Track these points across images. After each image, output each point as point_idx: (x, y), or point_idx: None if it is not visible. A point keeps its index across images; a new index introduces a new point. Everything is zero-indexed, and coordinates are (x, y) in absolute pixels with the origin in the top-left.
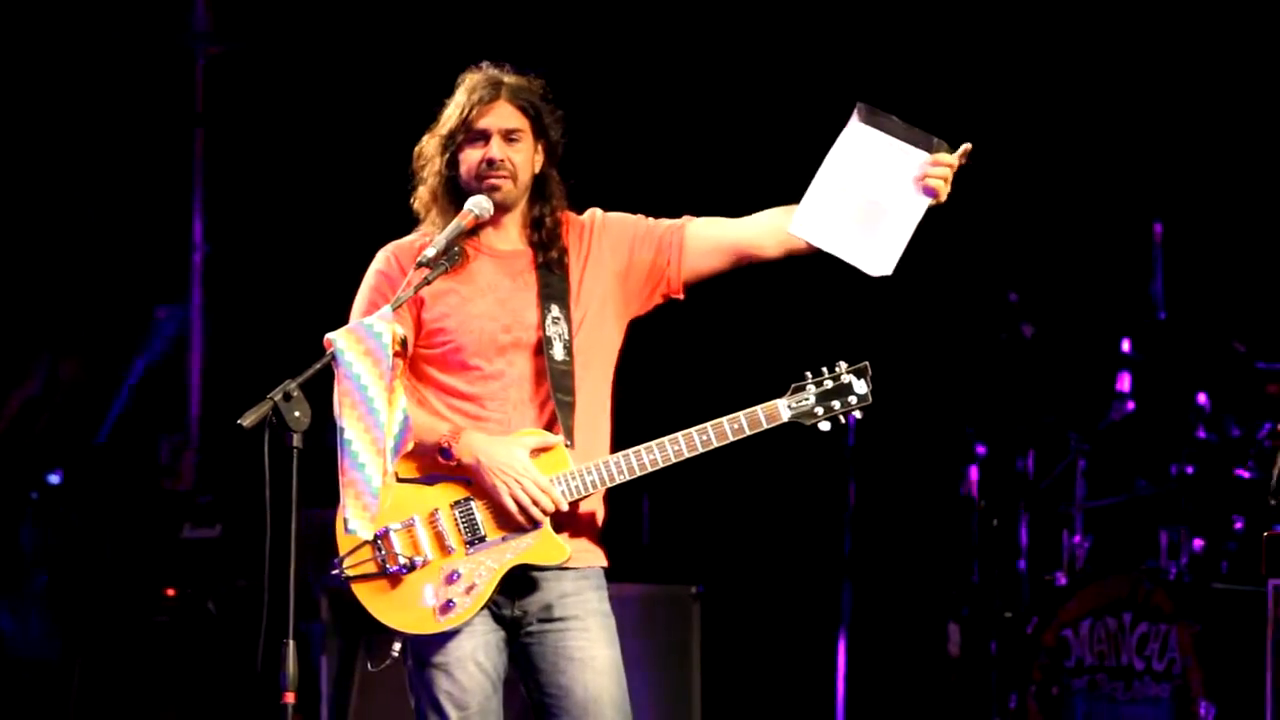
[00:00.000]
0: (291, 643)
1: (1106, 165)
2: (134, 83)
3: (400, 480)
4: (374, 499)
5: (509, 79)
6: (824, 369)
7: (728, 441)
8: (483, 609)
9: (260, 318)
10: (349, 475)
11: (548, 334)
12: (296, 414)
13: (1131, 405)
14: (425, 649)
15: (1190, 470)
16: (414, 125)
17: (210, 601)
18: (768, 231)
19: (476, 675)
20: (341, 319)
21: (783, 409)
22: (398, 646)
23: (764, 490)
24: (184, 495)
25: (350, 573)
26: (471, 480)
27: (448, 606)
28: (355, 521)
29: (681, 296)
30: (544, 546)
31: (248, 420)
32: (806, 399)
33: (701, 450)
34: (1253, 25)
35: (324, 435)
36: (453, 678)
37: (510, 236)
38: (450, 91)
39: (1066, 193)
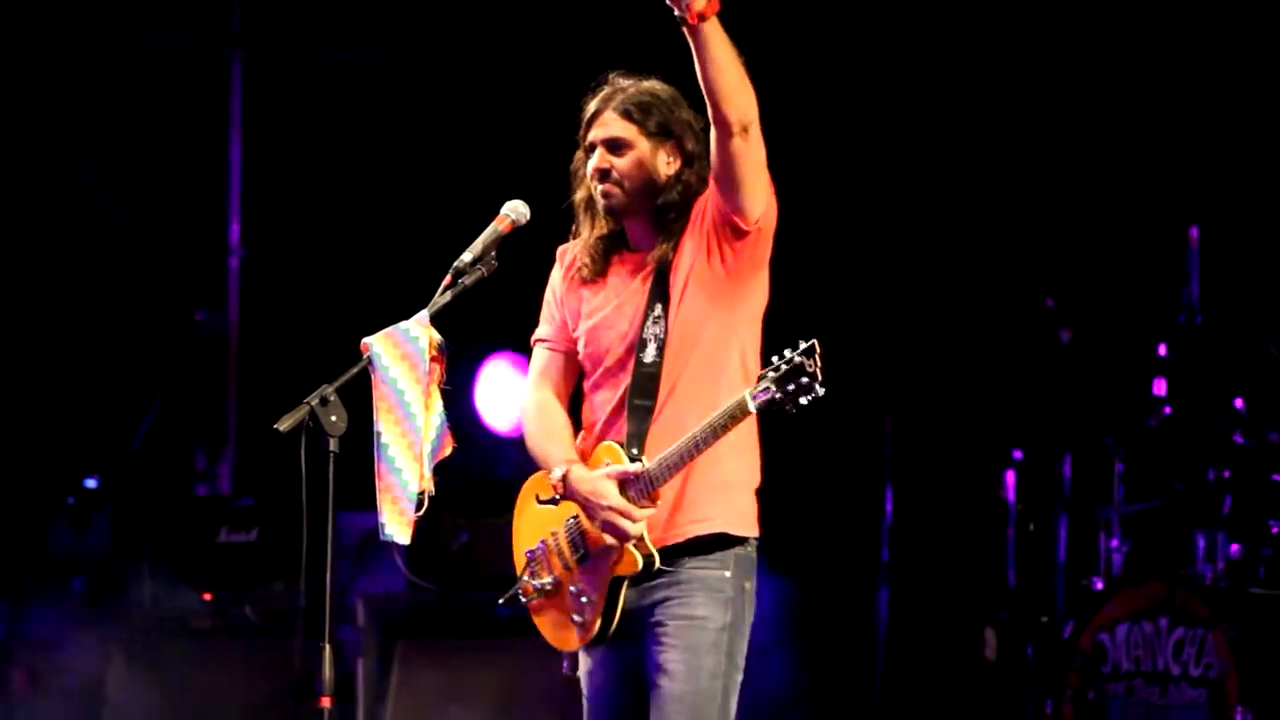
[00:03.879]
0: (328, 647)
1: (1143, 170)
2: (170, 86)
3: (540, 502)
4: (410, 504)
5: (622, 86)
6: (782, 353)
7: (719, 438)
8: (620, 623)
9: (297, 322)
10: (385, 480)
11: (644, 336)
12: (333, 418)
13: (1168, 410)
14: (586, 660)
15: (1227, 475)
16: (452, 130)
17: (247, 606)
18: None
19: (596, 693)
20: (377, 323)
21: (749, 400)
22: (566, 664)
23: (802, 496)
24: (221, 500)
25: (523, 598)
26: None
27: (578, 623)
28: (391, 527)
29: (744, 227)
30: (625, 560)
31: (284, 424)
32: (767, 387)
33: (703, 449)
34: None
35: (362, 440)
36: (586, 695)
37: (641, 238)
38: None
39: (1103, 198)
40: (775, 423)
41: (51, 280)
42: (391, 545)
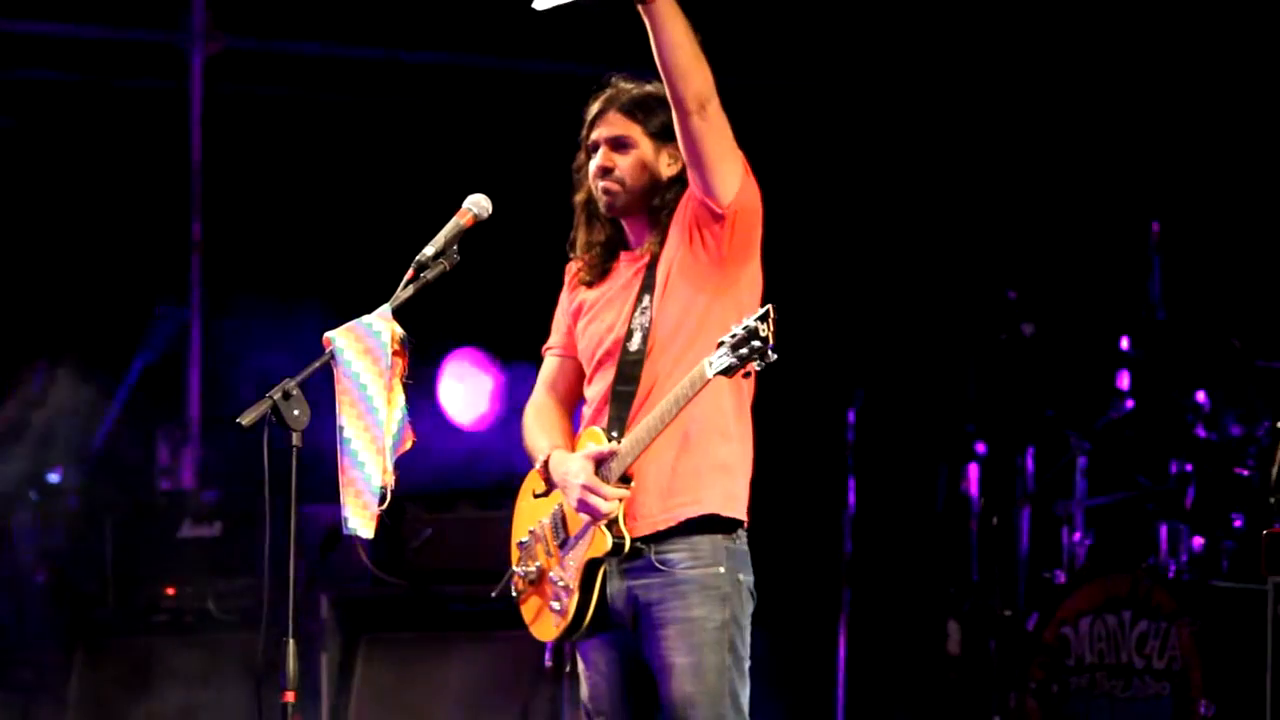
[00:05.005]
0: (291, 641)
1: (1104, 164)
2: (131, 82)
3: (535, 497)
4: (374, 497)
5: (623, 87)
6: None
7: (682, 407)
8: (599, 612)
9: (259, 316)
10: (349, 474)
11: (631, 326)
12: (295, 412)
13: (1131, 403)
14: (578, 653)
15: (1190, 468)
16: (414, 124)
17: (210, 600)
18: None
19: (596, 679)
20: (339, 317)
21: (707, 367)
22: (548, 657)
23: (763, 489)
24: (183, 494)
25: (514, 591)
26: None
27: (555, 610)
28: (355, 520)
29: (718, 209)
30: (596, 541)
31: (247, 418)
32: (724, 353)
33: (670, 419)
34: (1249, 25)
35: (325, 434)
36: (583, 682)
37: (639, 238)
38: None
39: (1065, 192)
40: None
41: (13, 277)
42: (355, 539)
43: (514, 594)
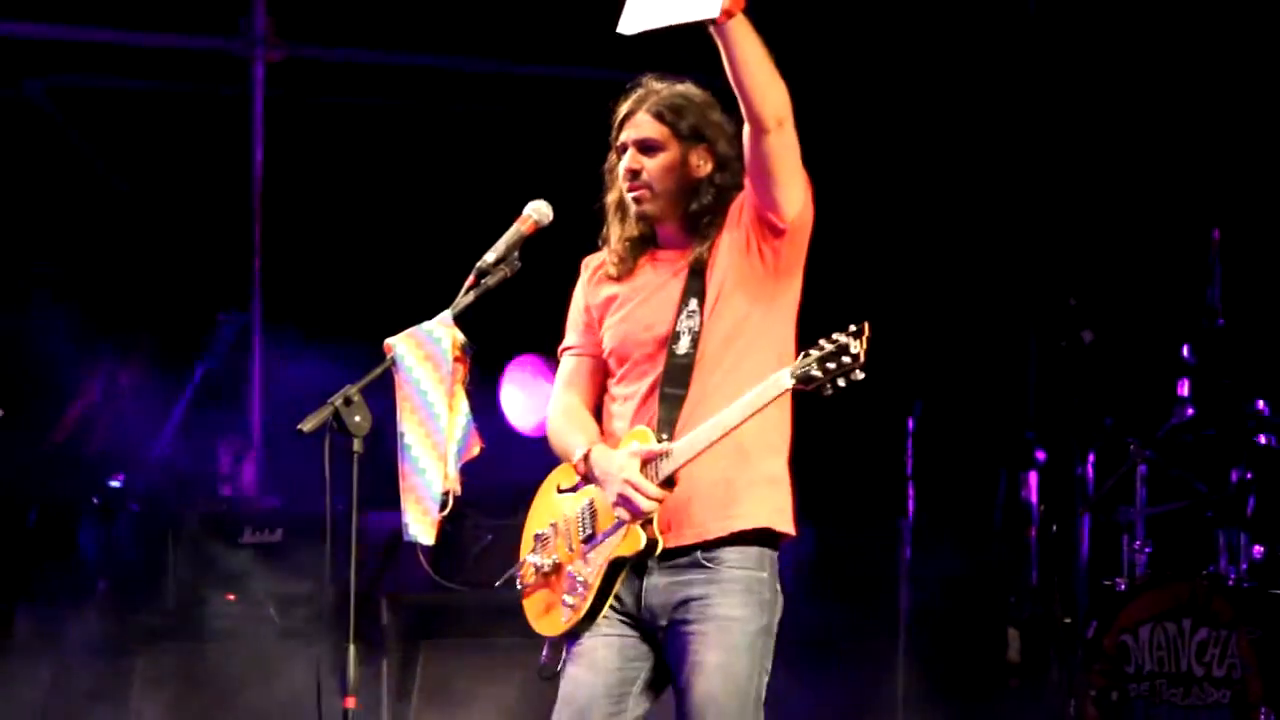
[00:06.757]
0: (352, 647)
1: (1165, 171)
2: (193, 89)
3: (560, 492)
4: (434, 504)
5: (654, 88)
6: (830, 334)
7: (750, 415)
8: (612, 611)
9: (321, 322)
10: (409, 480)
11: (678, 329)
12: (357, 419)
13: (1191, 411)
14: (566, 651)
15: (1250, 476)
16: (474, 131)
17: (271, 607)
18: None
19: (586, 674)
20: (400, 323)
21: (785, 376)
22: (544, 654)
23: (823, 495)
24: (245, 500)
25: (520, 582)
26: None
27: (566, 606)
28: (415, 526)
29: (779, 224)
30: (628, 539)
31: (308, 425)
32: (807, 365)
33: (733, 428)
34: None
35: (387, 440)
36: (567, 674)
37: (673, 239)
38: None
39: (1125, 198)
40: (801, 418)
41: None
42: (416, 545)
43: (519, 585)
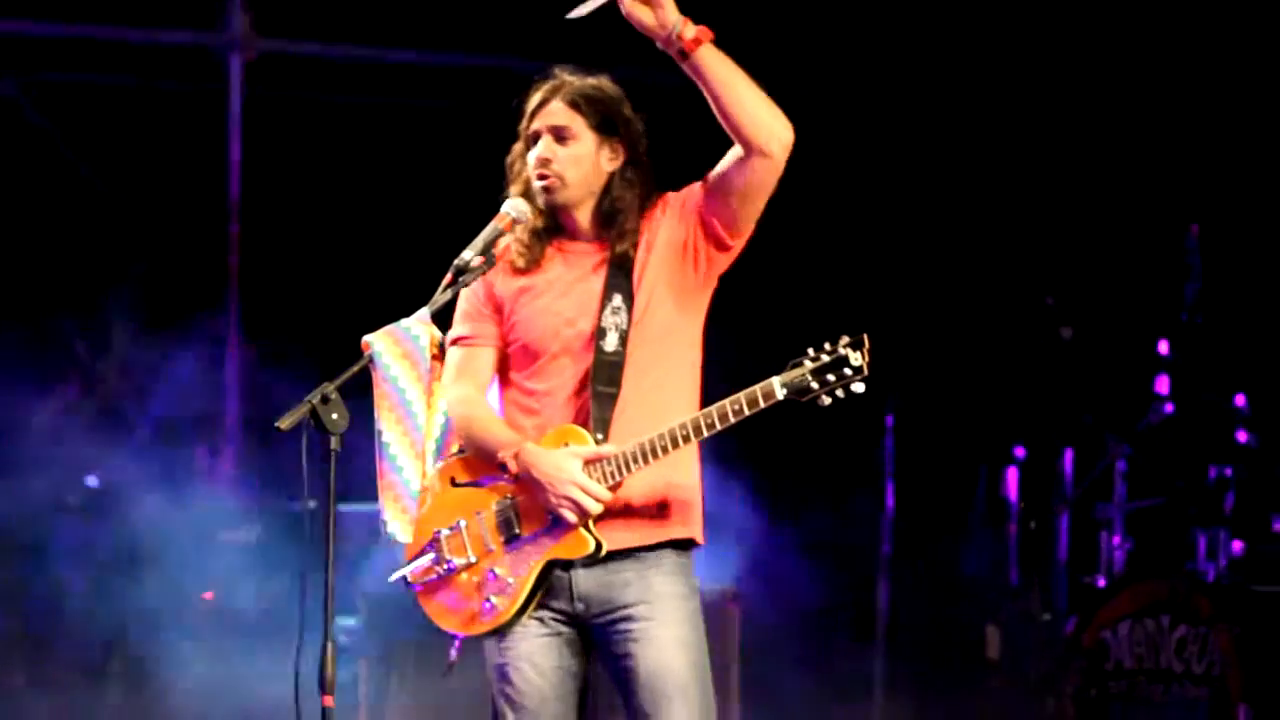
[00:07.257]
0: (330, 645)
1: (1143, 168)
2: (170, 86)
3: (455, 485)
4: (412, 502)
5: (568, 79)
6: (824, 344)
7: (730, 424)
8: (542, 609)
9: (298, 319)
10: (387, 478)
11: (603, 325)
12: (334, 416)
13: (1170, 407)
14: (490, 652)
15: (1229, 472)
16: (451, 128)
17: (248, 604)
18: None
19: (532, 677)
20: (378, 320)
21: (777, 387)
22: (453, 652)
23: (802, 491)
24: (222, 498)
25: (412, 579)
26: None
27: (489, 607)
28: (393, 524)
29: (730, 243)
30: (572, 542)
31: (285, 423)
32: (802, 375)
33: (706, 434)
34: None
35: (364, 438)
36: (509, 679)
37: (584, 232)
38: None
39: (1103, 196)
40: (780, 415)
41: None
42: (393, 543)
43: (409, 581)
